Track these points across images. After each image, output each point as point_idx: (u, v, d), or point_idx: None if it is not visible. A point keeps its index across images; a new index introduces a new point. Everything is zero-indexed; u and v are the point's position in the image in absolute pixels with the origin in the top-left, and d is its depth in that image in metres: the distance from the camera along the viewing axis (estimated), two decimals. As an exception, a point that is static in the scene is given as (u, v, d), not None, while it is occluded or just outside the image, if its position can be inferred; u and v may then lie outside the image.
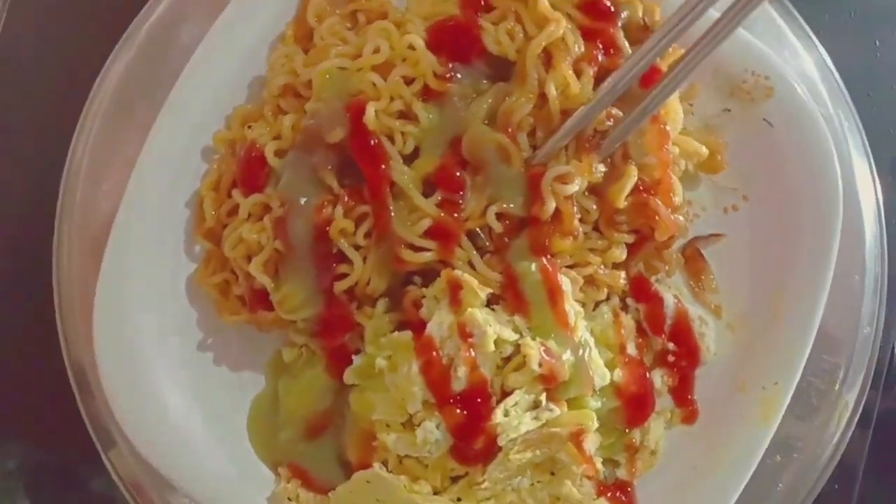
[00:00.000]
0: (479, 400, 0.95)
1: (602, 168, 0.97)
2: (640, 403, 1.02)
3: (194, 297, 1.11)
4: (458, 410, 0.95)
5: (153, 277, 1.06)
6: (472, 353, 0.94)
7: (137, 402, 1.05)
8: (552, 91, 0.95)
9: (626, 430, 1.05)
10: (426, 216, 0.96)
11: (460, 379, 0.95)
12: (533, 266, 0.96)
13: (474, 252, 0.98)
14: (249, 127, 1.07)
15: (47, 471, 1.20)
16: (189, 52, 1.06)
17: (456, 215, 0.97)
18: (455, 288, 0.95)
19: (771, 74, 1.05)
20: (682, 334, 1.05)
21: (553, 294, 0.96)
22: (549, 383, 0.96)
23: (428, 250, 0.97)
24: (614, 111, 0.97)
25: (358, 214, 0.99)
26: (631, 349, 1.04)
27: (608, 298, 1.06)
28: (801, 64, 1.13)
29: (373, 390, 1.01)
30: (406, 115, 0.99)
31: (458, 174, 0.97)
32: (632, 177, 0.97)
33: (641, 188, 0.99)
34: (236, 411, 1.11)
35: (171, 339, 1.08)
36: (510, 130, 0.96)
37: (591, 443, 0.99)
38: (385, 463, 1.02)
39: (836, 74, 1.13)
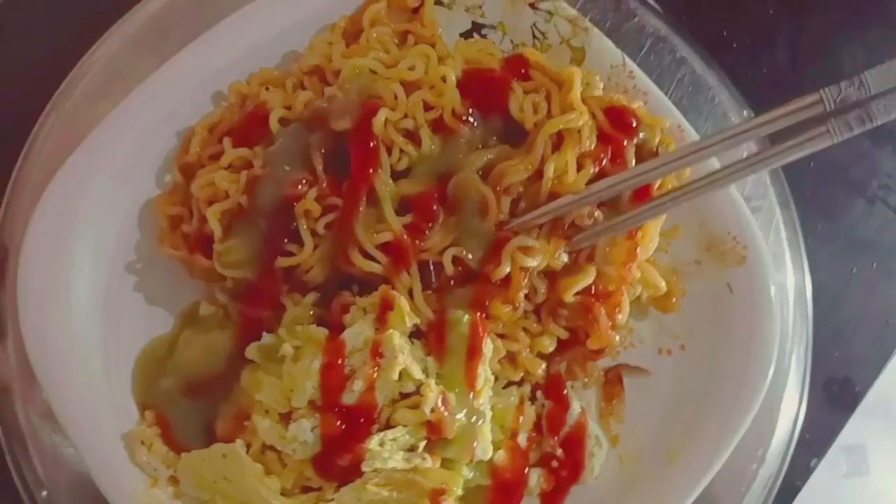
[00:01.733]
0: (361, 420, 0.95)
1: (565, 258, 1.00)
2: (509, 493, 1.02)
3: (142, 222, 1.10)
4: (338, 422, 0.95)
5: (112, 188, 1.06)
6: (375, 374, 0.94)
7: (45, 292, 1.03)
8: (550, 171, 0.98)
9: (485, 512, 1.04)
10: (389, 230, 0.97)
11: (353, 393, 0.95)
12: (466, 318, 0.97)
13: (419, 283, 0.98)
14: (267, 89, 1.08)
15: None
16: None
17: (417, 242, 0.98)
18: (386, 306, 0.96)
19: (750, 246, 1.09)
20: (575, 446, 1.05)
21: (473, 351, 0.97)
22: (433, 433, 0.96)
23: (377, 263, 0.98)
24: (597, 213, 1.00)
25: (328, 204, 1.00)
26: (522, 439, 1.05)
27: (521, 383, 1.06)
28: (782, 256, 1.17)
29: (267, 372, 1.00)
30: (411, 135, 1.02)
31: (434, 207, 0.99)
32: (588, 277, 0.99)
33: (592, 292, 1.01)
34: (134, 343, 1.09)
35: (103, 251, 1.07)
36: (498, 189, 0.98)
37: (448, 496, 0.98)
38: (247, 446, 1.00)
39: (809, 284, 1.17)
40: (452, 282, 1.00)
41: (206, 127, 1.09)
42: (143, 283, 1.11)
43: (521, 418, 1.04)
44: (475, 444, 0.98)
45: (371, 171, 0.99)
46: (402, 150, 1.01)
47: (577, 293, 1.00)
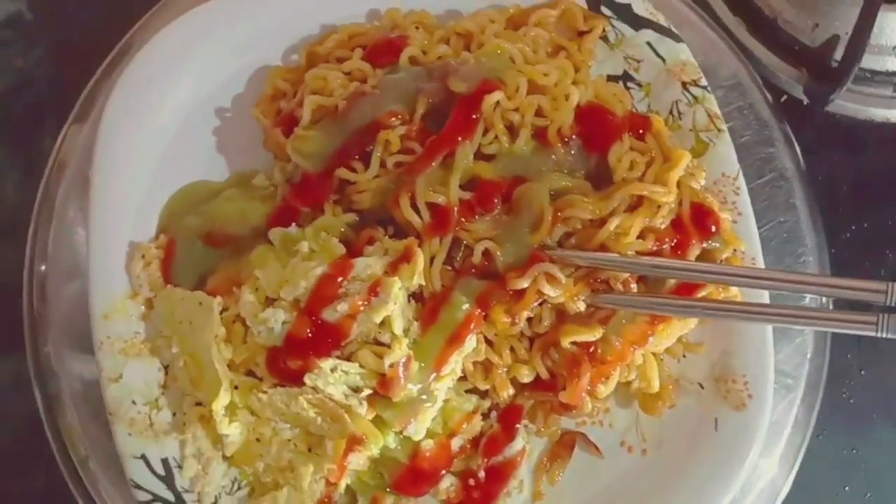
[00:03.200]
0: (329, 339, 0.98)
1: (582, 307, 1.00)
2: (418, 480, 1.03)
3: (244, 86, 1.18)
4: (308, 329, 0.98)
5: (229, 45, 1.15)
6: (362, 307, 0.97)
7: (135, 102, 1.12)
8: (612, 225, 1.00)
9: (387, 489, 1.05)
10: (445, 196, 1.00)
11: (335, 312, 0.98)
12: (466, 305, 0.99)
13: (444, 254, 1.01)
14: (417, 28, 1.13)
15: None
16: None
17: (462, 219, 1.00)
18: (405, 257, 0.98)
19: (755, 398, 1.07)
20: (498, 477, 1.06)
21: (455, 337, 0.99)
22: (382, 388, 0.98)
23: (419, 218, 1.00)
24: (634, 285, 1.01)
25: (407, 147, 1.04)
26: (456, 443, 1.05)
27: (483, 396, 1.07)
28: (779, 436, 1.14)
29: (276, 257, 1.04)
30: (512, 130, 1.04)
31: (495, 199, 1.01)
32: (592, 334, 1.00)
33: (589, 351, 1.01)
34: (185, 180, 1.16)
35: (198, 96, 1.16)
36: (558, 214, 1.00)
37: (356, 460, 1.00)
38: (224, 309, 1.04)
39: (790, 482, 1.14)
40: (473, 271, 1.01)
41: (348, 32, 1.14)
42: (220, 136, 1.18)
43: (466, 425, 1.05)
44: (412, 420, 1.00)
45: (460, 138, 1.01)
46: (496, 137, 1.03)
47: (575, 343, 1.00)
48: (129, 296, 1.08)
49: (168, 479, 1.04)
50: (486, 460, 1.06)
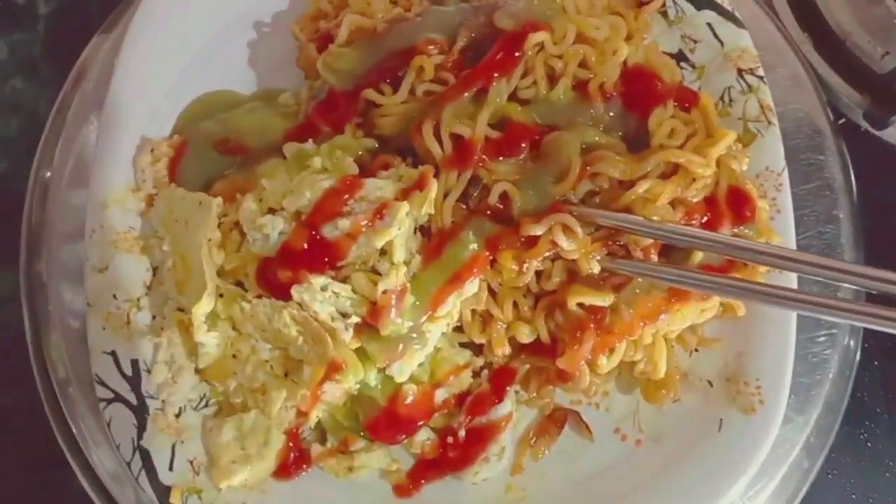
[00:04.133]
0: (324, 256, 0.93)
1: (596, 268, 0.94)
2: (393, 425, 0.97)
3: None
4: (305, 243, 0.92)
5: None
6: (364, 228, 0.91)
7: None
8: (641, 188, 0.94)
9: (360, 433, 0.99)
10: (470, 129, 0.95)
11: (336, 230, 0.92)
12: (473, 245, 0.93)
13: (459, 191, 0.95)
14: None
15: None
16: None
17: (485, 157, 0.95)
18: (419, 185, 0.93)
19: (767, 405, 0.99)
20: (479, 438, 0.99)
21: (457, 277, 0.93)
22: (371, 317, 0.92)
23: (440, 149, 0.95)
24: (654, 255, 0.94)
25: (441, 77, 0.99)
26: (440, 395, 0.99)
27: (478, 353, 1.01)
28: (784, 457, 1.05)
29: (287, 171, 0.99)
30: (552, 78, 0.99)
31: (523, 144, 0.96)
32: (602, 299, 0.93)
33: (595, 318, 0.94)
34: (208, 85, 1.12)
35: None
36: (587, 168, 0.94)
37: (332, 390, 0.93)
38: (224, 215, 0.99)
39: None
40: (487, 213, 0.96)
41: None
42: (255, 50, 1.15)
43: (454, 378, 0.99)
44: (397, 359, 0.94)
45: (497, 73, 0.96)
46: (534, 82, 0.98)
47: (581, 307, 0.94)
48: (132, 189, 1.05)
49: (134, 381, 0.99)
50: (469, 418, 0.99)
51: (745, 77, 1.11)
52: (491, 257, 0.94)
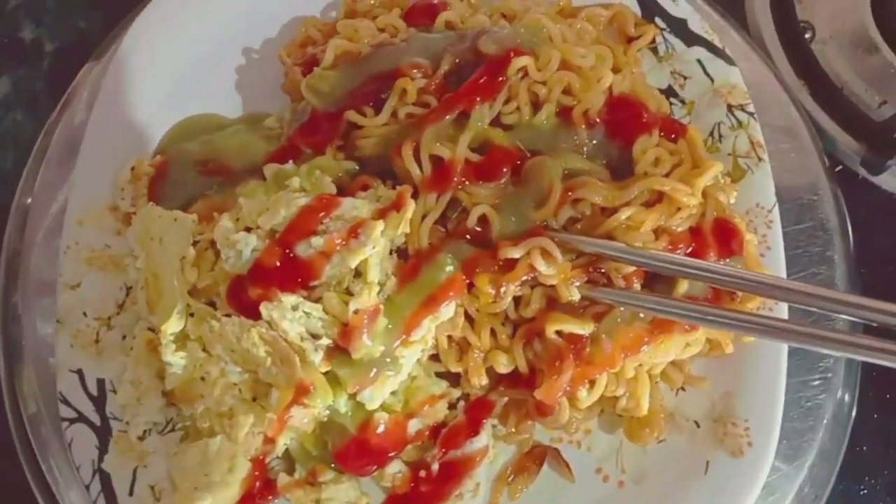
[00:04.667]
0: (297, 276, 0.91)
1: (576, 295, 0.91)
2: (362, 455, 0.93)
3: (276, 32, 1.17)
4: (277, 261, 0.90)
5: None
6: (338, 247, 0.89)
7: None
8: (624, 215, 0.92)
9: (329, 464, 0.95)
10: (450, 151, 0.93)
11: (309, 248, 0.90)
12: (450, 268, 0.91)
13: (437, 213, 0.94)
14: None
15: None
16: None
17: (465, 181, 0.93)
18: (396, 205, 0.91)
19: (756, 447, 0.95)
20: (453, 473, 0.94)
21: (432, 300, 0.90)
22: (343, 339, 0.89)
23: (420, 171, 0.94)
24: (636, 283, 0.91)
25: (424, 101, 0.98)
26: (413, 426, 0.95)
27: (455, 385, 0.98)
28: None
29: (265, 191, 0.98)
30: (536, 105, 0.98)
31: (504, 169, 0.94)
32: (581, 328, 0.90)
33: (574, 348, 0.91)
34: (194, 108, 1.12)
35: (224, 35, 1.14)
36: (568, 194, 0.92)
37: (300, 415, 0.90)
38: (196, 234, 0.97)
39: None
40: (466, 236, 0.93)
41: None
42: (241, 75, 1.15)
43: (428, 408, 0.95)
44: (369, 384, 0.90)
45: (479, 98, 0.96)
46: (518, 108, 0.97)
47: (560, 335, 0.91)
48: (109, 207, 1.03)
49: (98, 401, 0.96)
50: (443, 451, 0.95)
51: (735, 113, 1.09)
52: (468, 281, 0.91)
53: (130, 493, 0.93)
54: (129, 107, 1.07)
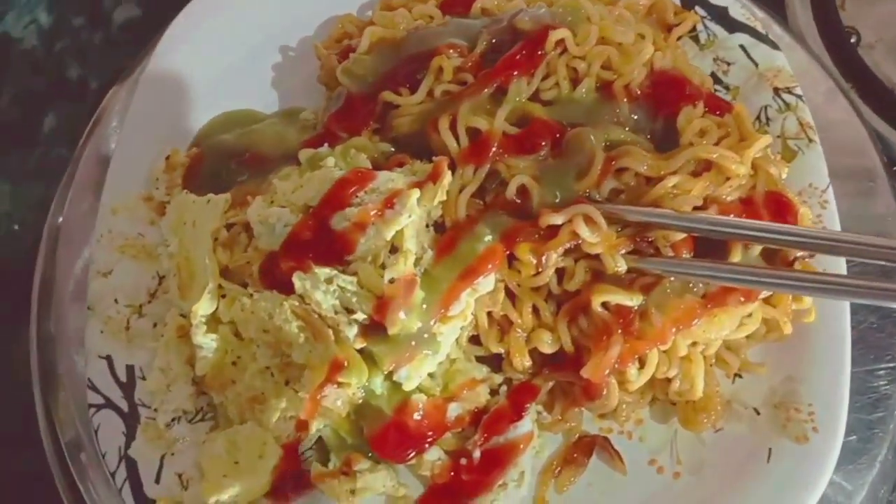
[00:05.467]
0: (331, 249, 0.87)
1: (622, 266, 0.86)
2: (398, 439, 0.88)
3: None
4: (311, 234, 0.88)
5: None
6: (373, 218, 0.86)
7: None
8: (670, 182, 0.88)
9: (366, 453, 0.90)
10: (487, 123, 0.91)
11: (342, 220, 0.87)
12: (489, 238, 0.87)
13: (475, 185, 0.91)
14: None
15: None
16: None
17: (503, 152, 0.91)
18: (433, 177, 0.89)
19: (822, 432, 0.88)
20: (495, 461, 0.89)
21: (470, 272, 0.86)
22: (377, 313, 0.85)
23: (457, 144, 0.92)
24: (686, 252, 0.87)
25: (461, 79, 0.96)
26: (452, 411, 0.90)
27: (498, 369, 0.93)
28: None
29: (299, 175, 0.96)
30: (575, 81, 0.96)
31: (543, 142, 0.92)
32: (629, 299, 0.85)
33: (621, 323, 0.86)
34: (232, 104, 1.12)
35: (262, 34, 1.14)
36: (612, 164, 0.89)
37: (334, 396, 0.86)
38: (230, 217, 0.95)
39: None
40: (501, 207, 0.90)
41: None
42: (279, 72, 1.15)
43: (467, 391, 0.90)
44: (404, 363, 0.86)
45: (516, 72, 0.93)
46: (557, 84, 0.95)
47: (607, 309, 0.86)
48: (144, 197, 1.02)
49: (127, 388, 0.93)
50: (485, 437, 0.89)
51: (781, 96, 1.06)
52: (507, 251, 0.87)
53: (157, 481, 0.88)
54: (167, 102, 1.07)
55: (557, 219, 0.85)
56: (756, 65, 1.08)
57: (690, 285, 0.86)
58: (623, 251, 0.86)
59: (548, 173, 0.90)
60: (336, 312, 0.86)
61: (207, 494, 0.86)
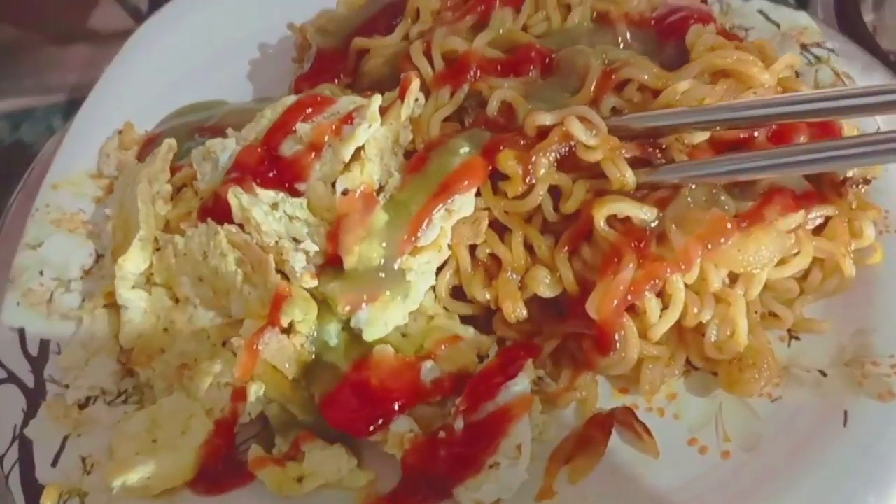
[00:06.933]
0: (281, 178, 0.74)
1: (630, 177, 0.70)
2: (356, 401, 0.69)
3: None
4: (257, 159, 0.75)
5: None
6: (329, 136, 0.74)
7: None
8: (681, 87, 0.74)
9: (320, 432, 0.71)
10: (466, 45, 0.80)
11: (293, 145, 0.75)
12: (465, 149, 0.73)
13: (451, 107, 0.78)
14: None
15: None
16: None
17: (482, 73, 0.78)
18: (401, 92, 0.77)
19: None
20: (483, 433, 0.68)
21: (444, 188, 0.71)
22: (331, 241, 0.70)
23: (430, 68, 0.80)
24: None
25: (442, 20, 0.86)
26: (428, 369, 0.72)
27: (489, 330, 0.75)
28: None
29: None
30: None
31: (530, 67, 0.80)
32: (639, 210, 0.69)
33: (635, 246, 0.69)
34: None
35: None
36: (611, 78, 0.76)
37: (275, 344, 0.69)
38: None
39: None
40: (483, 123, 0.76)
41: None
42: (254, 66, 1.07)
43: (446, 348, 0.72)
44: (364, 303, 0.69)
45: (497, 2, 0.83)
46: (547, 18, 0.84)
47: (615, 228, 0.69)
48: (91, 175, 0.91)
49: (37, 362, 0.77)
50: (470, 403, 0.69)
51: (810, 50, 0.93)
52: (489, 165, 0.72)
53: (54, 464, 0.70)
54: (131, 88, 0.99)
55: (547, 118, 0.71)
56: (778, 26, 0.96)
57: (716, 196, 0.69)
58: (629, 155, 0.70)
59: (536, 91, 0.77)
60: (280, 239, 0.70)
61: (112, 476, 0.67)
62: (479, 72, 0.79)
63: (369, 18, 0.90)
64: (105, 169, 0.91)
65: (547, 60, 0.80)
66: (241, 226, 0.72)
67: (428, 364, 0.71)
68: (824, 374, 0.72)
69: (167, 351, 0.75)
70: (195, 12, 1.07)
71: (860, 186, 0.75)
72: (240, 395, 0.71)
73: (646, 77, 0.75)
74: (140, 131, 0.96)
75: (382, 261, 0.70)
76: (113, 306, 0.79)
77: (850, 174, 0.74)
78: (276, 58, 1.06)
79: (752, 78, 0.75)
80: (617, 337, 0.69)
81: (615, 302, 0.67)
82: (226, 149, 0.76)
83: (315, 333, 0.70)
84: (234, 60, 1.05)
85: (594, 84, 0.75)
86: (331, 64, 0.89)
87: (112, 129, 0.95)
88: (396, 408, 0.69)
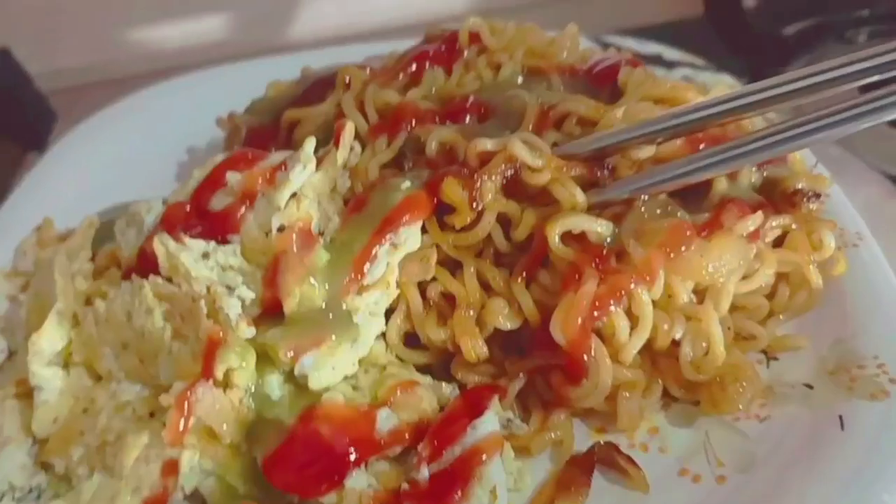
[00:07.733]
0: (211, 227, 0.70)
1: (580, 197, 0.68)
2: (305, 458, 0.61)
3: None
4: (186, 215, 0.71)
5: None
6: (261, 185, 0.70)
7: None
8: (620, 112, 0.73)
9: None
10: (399, 97, 0.79)
11: (224, 198, 0.71)
12: (406, 184, 0.70)
13: (389, 154, 0.76)
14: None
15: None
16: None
17: (416, 123, 0.77)
18: (335, 139, 0.74)
19: (900, 378, 0.63)
20: (453, 480, 0.60)
21: (387, 223, 0.67)
22: (268, 284, 0.65)
23: (365, 120, 0.79)
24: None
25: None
26: (385, 418, 0.64)
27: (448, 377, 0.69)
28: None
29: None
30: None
31: (466, 116, 0.79)
32: (596, 226, 0.66)
33: (594, 262, 0.65)
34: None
35: None
36: (549, 113, 0.75)
37: (208, 400, 0.62)
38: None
39: None
40: (422, 163, 0.74)
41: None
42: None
43: (402, 394, 0.65)
44: (308, 348, 0.63)
45: (428, 62, 0.84)
46: (479, 77, 0.85)
47: (569, 246, 0.66)
48: (5, 274, 0.85)
49: (-65, 461, 0.66)
50: (434, 450, 0.62)
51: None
52: (433, 198, 0.69)
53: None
54: (55, 191, 0.95)
55: (489, 143, 0.69)
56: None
57: (673, 211, 0.67)
58: (576, 174, 0.68)
59: (475, 134, 0.75)
60: (212, 285, 0.64)
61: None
62: (415, 122, 0.77)
63: (300, 95, 0.89)
64: (21, 265, 0.85)
65: (483, 109, 0.79)
66: (168, 279, 0.65)
67: (384, 412, 0.64)
68: (810, 387, 0.67)
69: (87, 433, 0.66)
70: (125, 117, 1.05)
71: (810, 201, 0.73)
72: (171, 468, 0.62)
73: (583, 108, 0.74)
74: (60, 229, 0.90)
75: (326, 302, 0.64)
76: (24, 396, 0.70)
77: (799, 186, 0.73)
78: (205, 158, 1.03)
79: (688, 101, 0.74)
80: (587, 359, 0.63)
81: (579, 319, 0.62)
82: (151, 210, 0.72)
83: (254, 388, 0.63)
84: (163, 162, 1.02)
85: (532, 121, 0.74)
86: (262, 141, 0.86)
87: (26, 226, 0.90)
88: (351, 461, 0.61)
